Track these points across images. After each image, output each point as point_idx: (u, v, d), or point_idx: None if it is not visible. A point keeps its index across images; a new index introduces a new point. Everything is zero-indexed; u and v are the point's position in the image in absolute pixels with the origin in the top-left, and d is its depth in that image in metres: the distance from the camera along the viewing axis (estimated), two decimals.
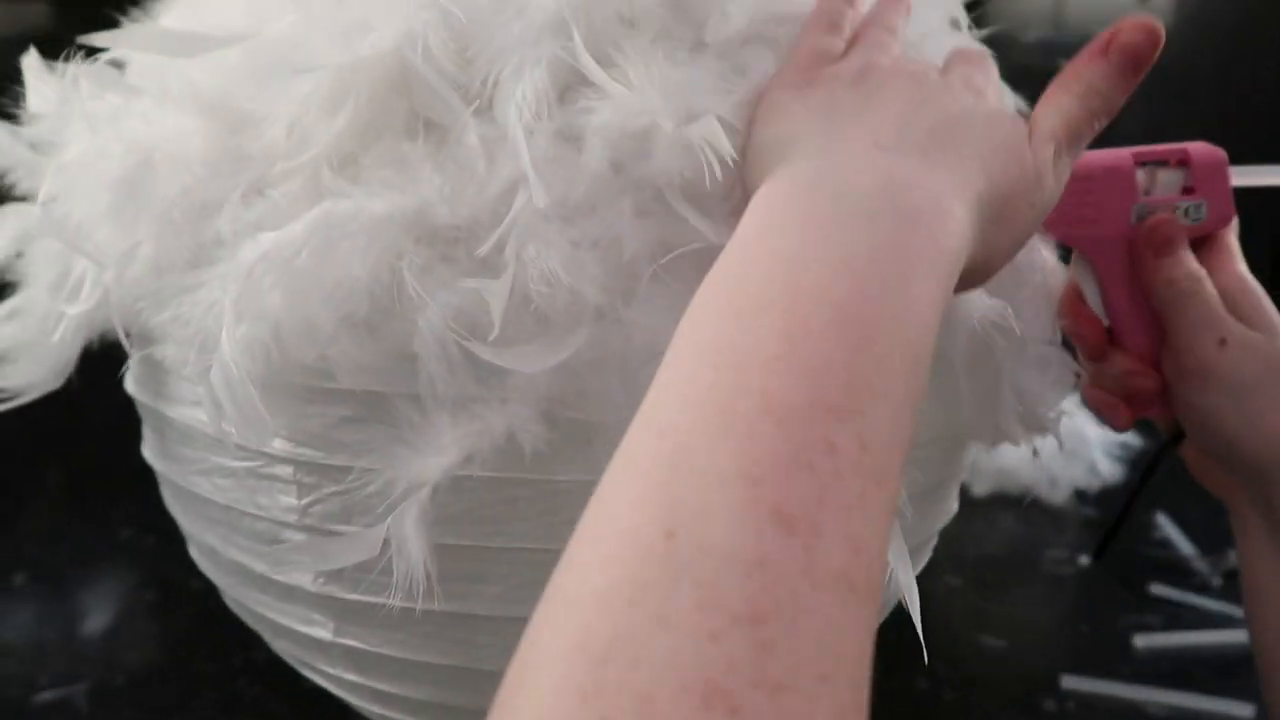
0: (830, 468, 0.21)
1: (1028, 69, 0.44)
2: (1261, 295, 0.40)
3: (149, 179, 0.34)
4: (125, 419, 0.44)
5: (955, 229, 0.27)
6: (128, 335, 0.36)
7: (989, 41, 0.44)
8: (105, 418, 0.44)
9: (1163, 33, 0.32)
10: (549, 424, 0.30)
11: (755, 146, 0.31)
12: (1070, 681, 0.60)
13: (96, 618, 0.67)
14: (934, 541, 0.45)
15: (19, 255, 0.41)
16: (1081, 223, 0.39)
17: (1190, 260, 0.39)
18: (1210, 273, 0.40)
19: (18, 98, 0.41)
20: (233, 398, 0.29)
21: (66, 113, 0.38)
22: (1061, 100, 0.32)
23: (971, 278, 0.30)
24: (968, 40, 0.43)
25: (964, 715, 0.58)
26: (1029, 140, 0.31)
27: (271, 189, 0.33)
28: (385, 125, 0.32)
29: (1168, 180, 0.39)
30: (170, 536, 0.45)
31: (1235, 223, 0.41)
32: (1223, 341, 0.38)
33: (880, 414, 0.23)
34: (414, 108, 0.32)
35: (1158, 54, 0.32)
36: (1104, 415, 0.42)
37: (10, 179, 0.42)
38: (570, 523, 0.22)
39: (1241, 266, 0.41)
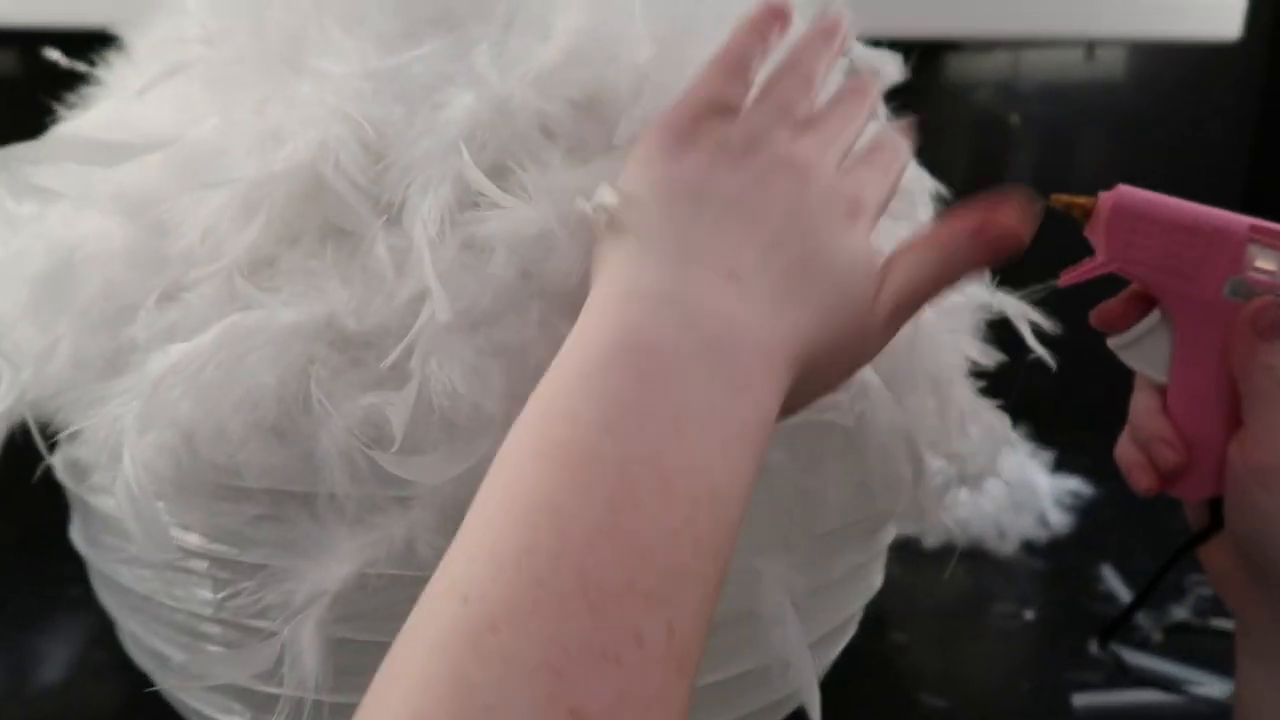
0: (636, 660, 0.21)
1: (982, 121, 0.43)
2: None
3: (69, 278, 0.35)
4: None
5: (776, 391, 0.27)
6: (44, 432, 0.36)
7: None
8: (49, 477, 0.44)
9: (1028, 238, 0.32)
10: (450, 531, 0.31)
11: (619, 203, 0.30)
12: None
13: (49, 675, 0.66)
14: (858, 616, 0.46)
15: None
16: (1171, 274, 0.35)
17: None
18: None
19: None
20: (135, 512, 0.30)
21: None
22: (918, 262, 0.31)
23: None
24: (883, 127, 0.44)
25: None
26: (874, 297, 0.30)
27: (186, 292, 0.33)
28: (300, 231, 0.33)
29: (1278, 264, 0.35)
30: None
31: None
32: None
33: (691, 597, 0.22)
34: (327, 217, 0.33)
35: (1021, 251, 0.32)
36: (1130, 476, 0.38)
37: None
38: None
39: None
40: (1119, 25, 0.84)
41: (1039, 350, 0.42)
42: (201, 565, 0.35)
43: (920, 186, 0.43)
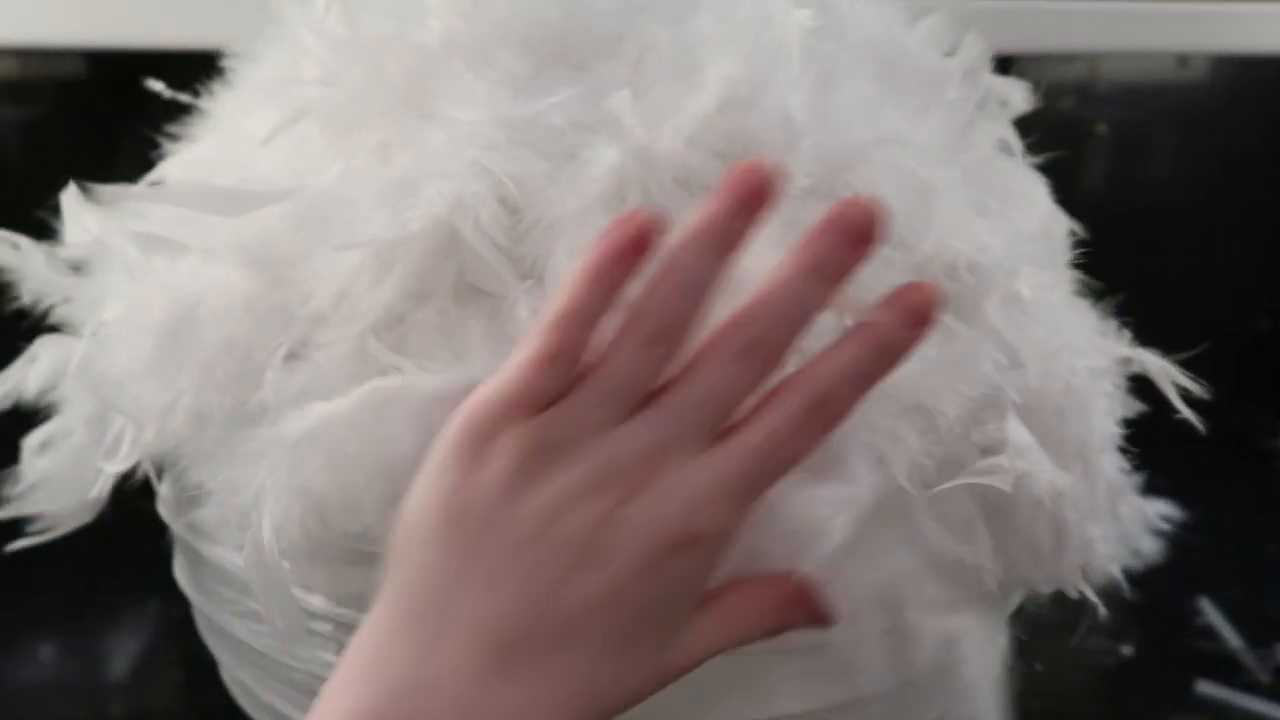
0: None
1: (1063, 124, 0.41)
2: None
3: (191, 332, 0.33)
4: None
5: None
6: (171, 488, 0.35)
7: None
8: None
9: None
10: None
11: (399, 530, 0.27)
12: None
13: (125, 694, 0.66)
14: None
15: (53, 386, 0.40)
16: None
17: None
18: None
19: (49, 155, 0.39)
20: (264, 579, 0.29)
21: (103, 253, 0.37)
22: (718, 633, 0.28)
23: None
24: (1016, 166, 0.42)
25: None
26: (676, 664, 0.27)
27: (315, 352, 0.32)
28: (432, 290, 0.31)
29: None
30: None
31: None
32: None
33: None
34: (463, 275, 0.31)
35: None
36: None
37: (46, 301, 0.41)
38: None
39: None
40: (1207, 39, 0.81)
41: (1187, 413, 0.40)
42: (325, 627, 0.34)
43: (1059, 229, 0.41)
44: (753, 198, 0.26)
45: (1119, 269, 0.40)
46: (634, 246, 0.26)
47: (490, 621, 0.25)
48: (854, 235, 0.26)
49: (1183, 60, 0.89)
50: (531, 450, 0.26)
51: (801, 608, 0.28)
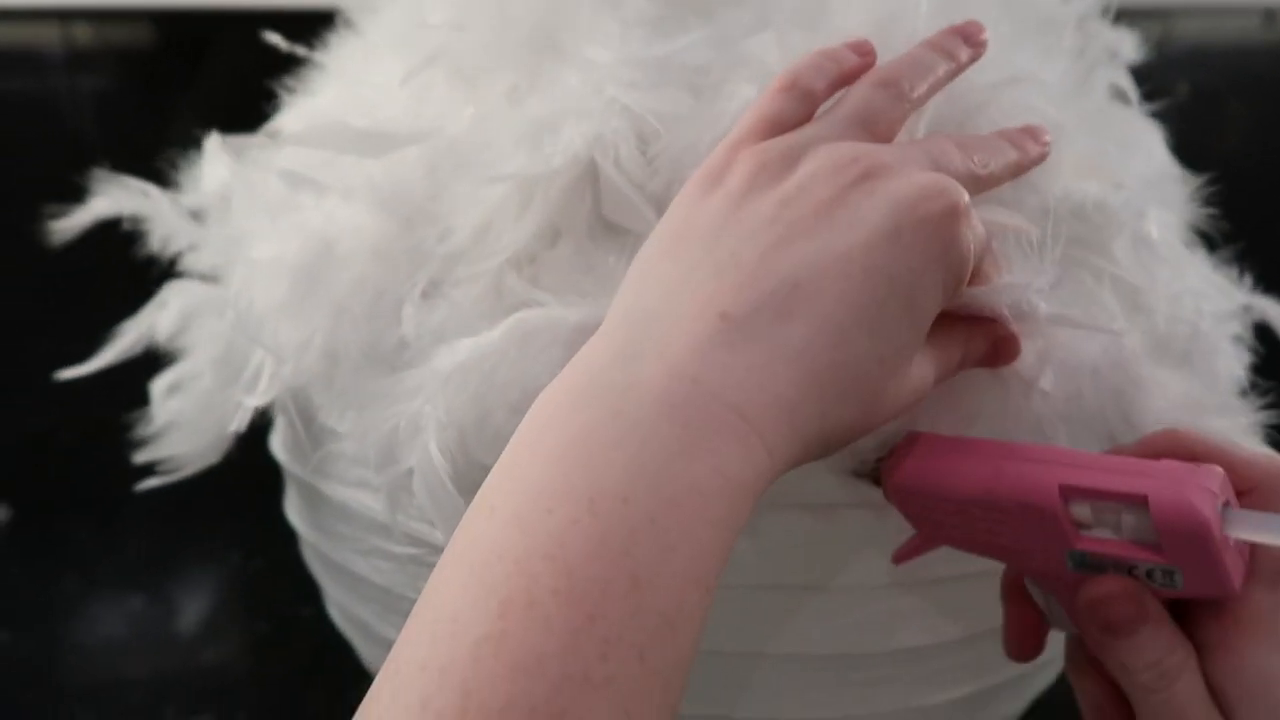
0: None
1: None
2: None
3: (327, 271, 0.34)
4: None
5: (756, 450, 0.23)
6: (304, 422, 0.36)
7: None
8: None
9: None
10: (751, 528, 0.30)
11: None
12: None
13: (213, 646, 0.68)
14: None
15: (182, 329, 0.41)
16: (1002, 550, 0.28)
17: (1161, 642, 0.26)
18: (1209, 649, 0.26)
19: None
20: (434, 500, 0.29)
21: (236, 193, 0.38)
22: (949, 349, 0.27)
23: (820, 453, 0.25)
24: (1132, 114, 0.42)
25: None
26: (897, 389, 0.26)
27: (451, 289, 0.33)
28: (568, 227, 0.32)
29: (1125, 523, 0.26)
30: (278, 564, 0.45)
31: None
32: None
33: (599, 707, 0.19)
34: (600, 212, 0.32)
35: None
36: None
37: (172, 247, 0.43)
38: None
39: (1261, 652, 0.25)
40: None
41: None
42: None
43: (1175, 177, 0.41)
44: (971, 37, 0.31)
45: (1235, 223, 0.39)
46: (859, 47, 0.30)
47: (725, 293, 0.24)
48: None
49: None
50: (765, 162, 0.26)
51: (1016, 345, 0.29)
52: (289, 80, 0.44)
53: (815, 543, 0.32)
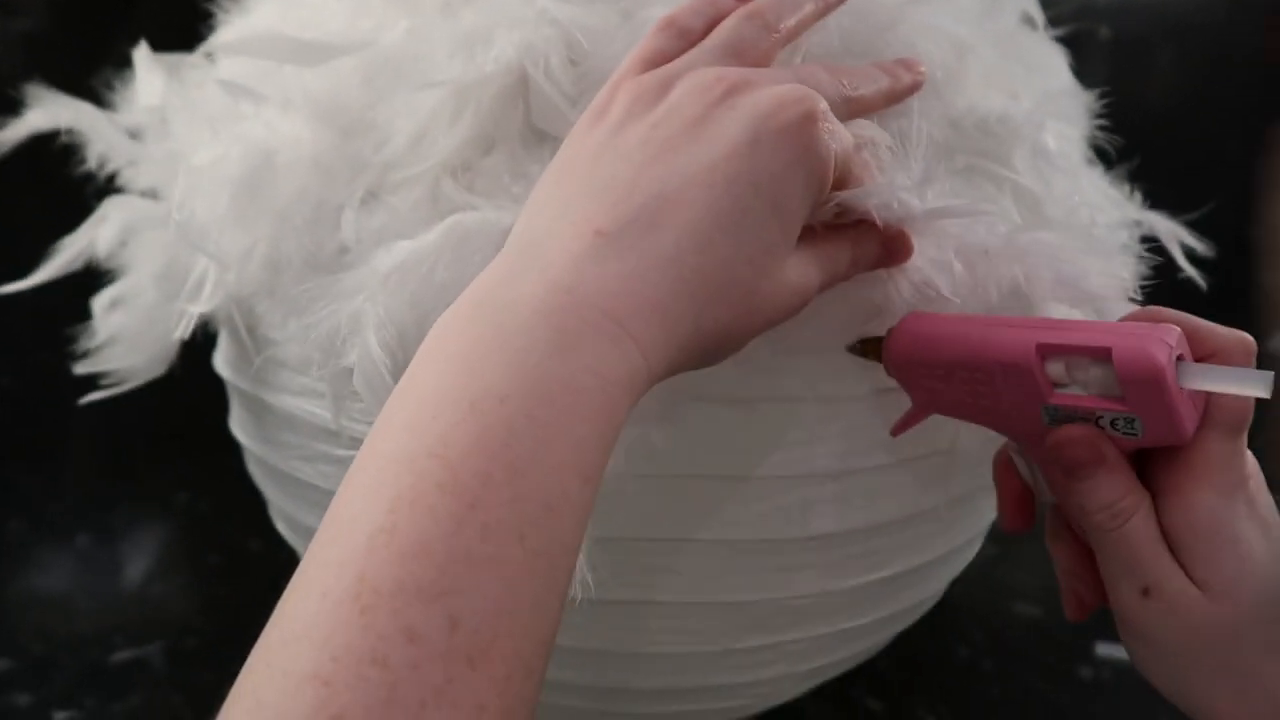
0: (406, 660, 0.20)
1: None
2: (1231, 538, 0.28)
3: (269, 181, 0.35)
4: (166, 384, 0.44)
5: (630, 350, 0.25)
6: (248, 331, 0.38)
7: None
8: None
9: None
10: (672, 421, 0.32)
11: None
12: (1105, 649, 0.62)
13: (161, 581, 0.69)
14: (978, 543, 0.46)
15: (122, 245, 0.42)
16: (989, 413, 0.31)
17: (1116, 485, 0.29)
18: (1164, 495, 0.29)
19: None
20: (375, 395, 0.31)
21: (173, 109, 0.39)
22: (832, 254, 0.29)
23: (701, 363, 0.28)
24: (1039, 37, 0.44)
25: (1003, 684, 0.60)
26: (772, 290, 0.27)
27: (389, 195, 0.34)
28: (501, 135, 0.33)
29: (1092, 378, 0.29)
30: (226, 501, 0.45)
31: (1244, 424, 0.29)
32: (1146, 591, 0.29)
33: (483, 583, 0.21)
34: (530, 120, 0.33)
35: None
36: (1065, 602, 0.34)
37: (110, 165, 0.43)
38: None
39: (1210, 495, 0.28)
40: None
41: (1190, 271, 0.42)
42: None
43: (1078, 97, 0.43)
44: None
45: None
46: None
47: (602, 212, 0.26)
48: None
49: None
50: (641, 92, 0.28)
51: (906, 244, 0.31)
52: (226, 1, 0.44)
53: (735, 434, 0.34)
